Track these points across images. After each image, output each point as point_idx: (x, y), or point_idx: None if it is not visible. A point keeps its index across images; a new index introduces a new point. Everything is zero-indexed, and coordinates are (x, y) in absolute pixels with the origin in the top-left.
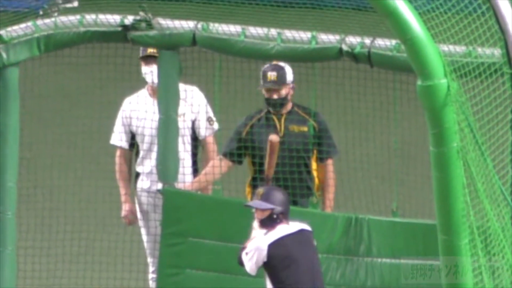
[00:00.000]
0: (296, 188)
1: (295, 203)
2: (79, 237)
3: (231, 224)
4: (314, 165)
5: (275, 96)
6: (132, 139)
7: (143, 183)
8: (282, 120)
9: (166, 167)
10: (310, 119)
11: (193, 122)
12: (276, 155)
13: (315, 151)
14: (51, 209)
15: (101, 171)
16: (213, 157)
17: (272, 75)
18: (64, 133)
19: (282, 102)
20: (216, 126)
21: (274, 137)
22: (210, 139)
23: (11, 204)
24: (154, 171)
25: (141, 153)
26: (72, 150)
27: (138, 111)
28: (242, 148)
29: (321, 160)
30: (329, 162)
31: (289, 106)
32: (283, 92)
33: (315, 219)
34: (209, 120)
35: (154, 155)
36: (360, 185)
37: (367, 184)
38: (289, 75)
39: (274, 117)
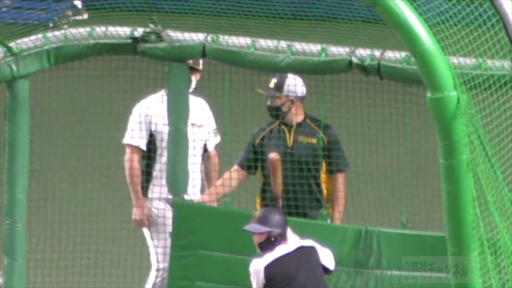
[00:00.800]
0: (305, 200)
1: (304, 215)
2: (88, 249)
3: (241, 236)
4: (323, 177)
5: (269, 103)
6: (149, 141)
7: (155, 189)
8: (292, 132)
9: (176, 179)
10: (320, 131)
11: (208, 134)
12: (279, 172)
13: (324, 164)
14: (61, 221)
15: (111, 183)
16: (216, 170)
17: (272, 81)
18: (74, 145)
19: (276, 111)
20: (218, 138)
21: (273, 155)
22: (215, 152)
23: (21, 216)
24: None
25: (160, 158)
26: (82, 162)
27: (160, 114)
28: (253, 160)
29: (330, 172)
30: (339, 175)
31: (300, 117)
32: (278, 101)
33: (324, 231)
34: (214, 132)
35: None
36: (370, 198)
37: (377, 196)
38: (290, 87)
39: (285, 129)
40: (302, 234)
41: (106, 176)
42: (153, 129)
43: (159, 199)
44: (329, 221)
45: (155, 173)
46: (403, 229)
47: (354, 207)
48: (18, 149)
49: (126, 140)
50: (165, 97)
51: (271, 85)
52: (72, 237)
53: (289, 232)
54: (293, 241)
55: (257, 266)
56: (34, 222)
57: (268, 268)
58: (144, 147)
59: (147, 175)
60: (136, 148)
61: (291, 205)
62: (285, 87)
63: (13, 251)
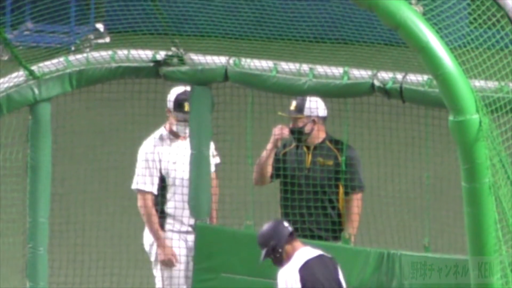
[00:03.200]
0: (320, 223)
1: (320, 237)
2: (111, 273)
3: None
4: (341, 200)
5: (291, 125)
6: (161, 181)
7: (168, 223)
8: (311, 153)
9: (199, 202)
10: (338, 153)
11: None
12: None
13: (341, 186)
14: (83, 245)
15: (133, 207)
16: (216, 193)
17: (293, 104)
18: (96, 169)
19: (299, 133)
20: (218, 159)
21: None
22: (214, 174)
23: (43, 239)
24: (181, 212)
25: (172, 195)
26: (104, 186)
27: (166, 155)
28: (274, 168)
29: (345, 194)
30: (353, 197)
31: (320, 139)
32: (299, 123)
33: (347, 254)
34: (213, 154)
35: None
36: (392, 221)
37: (399, 219)
38: (311, 108)
39: (305, 149)
40: None
41: (128, 200)
42: (163, 172)
43: (172, 231)
44: (351, 244)
45: (169, 210)
46: (426, 252)
47: (376, 230)
48: (41, 172)
49: (138, 185)
50: (167, 135)
51: (292, 107)
52: (94, 260)
53: (297, 243)
54: (308, 251)
55: (288, 272)
56: (56, 245)
57: (302, 270)
58: (156, 192)
59: (161, 213)
60: (148, 193)
61: (306, 228)
62: (306, 108)
63: (35, 275)
